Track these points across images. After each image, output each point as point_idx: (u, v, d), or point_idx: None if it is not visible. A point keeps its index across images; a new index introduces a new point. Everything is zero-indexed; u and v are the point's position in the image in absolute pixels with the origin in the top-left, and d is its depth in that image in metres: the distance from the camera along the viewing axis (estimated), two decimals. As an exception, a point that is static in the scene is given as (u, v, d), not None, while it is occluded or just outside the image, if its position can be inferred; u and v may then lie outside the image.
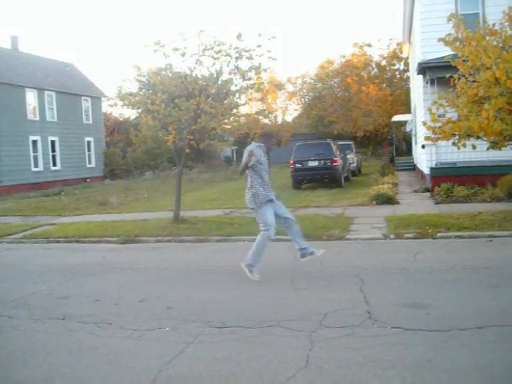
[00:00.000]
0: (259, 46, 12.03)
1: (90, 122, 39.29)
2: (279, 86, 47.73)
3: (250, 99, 15.15)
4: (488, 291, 6.48)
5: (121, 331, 5.71)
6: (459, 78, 11.15)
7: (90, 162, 38.86)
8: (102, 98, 40.66)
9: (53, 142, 35.05)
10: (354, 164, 26.50)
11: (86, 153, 38.53)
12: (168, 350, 5.06)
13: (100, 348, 5.26)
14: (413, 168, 28.41)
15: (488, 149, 12.08)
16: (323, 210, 13.89)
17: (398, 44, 41.42)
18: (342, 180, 21.01)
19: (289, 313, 5.91)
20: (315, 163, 20.21)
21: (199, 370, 4.59)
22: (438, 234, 10.14)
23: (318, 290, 6.86)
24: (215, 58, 12.27)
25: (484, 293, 6.42)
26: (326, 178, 20.51)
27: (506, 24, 10.93)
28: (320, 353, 4.78)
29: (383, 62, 46.00)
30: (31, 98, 33.54)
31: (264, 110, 45.76)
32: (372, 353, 4.73)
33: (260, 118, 46.82)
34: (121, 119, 51.65)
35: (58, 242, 12.33)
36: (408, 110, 35.34)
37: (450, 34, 11.37)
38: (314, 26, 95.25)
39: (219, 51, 12.13)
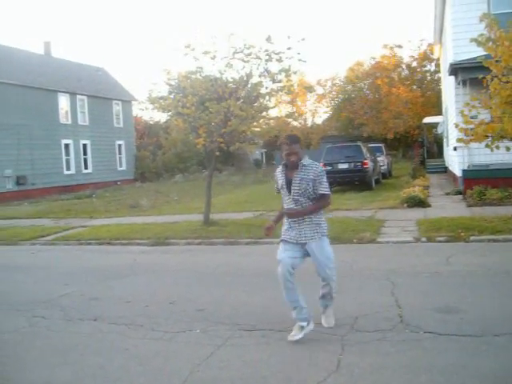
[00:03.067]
0: (289, 48, 12.02)
1: (121, 125, 39.74)
2: (309, 89, 47.59)
3: (279, 102, 15.11)
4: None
5: (151, 333, 5.74)
6: (492, 79, 10.97)
7: (120, 165, 39.29)
8: (133, 102, 41.09)
9: (84, 146, 35.53)
10: (385, 166, 26.26)
11: (117, 156, 38.97)
12: (198, 352, 5.07)
13: (131, 349, 5.30)
14: (444, 170, 28.04)
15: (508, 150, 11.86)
16: (353, 213, 13.80)
17: (428, 45, 41.03)
18: (373, 182, 20.86)
19: (319, 316, 5.87)
20: (345, 166, 20.11)
21: (229, 373, 4.59)
22: (471, 238, 9.97)
23: (349, 294, 6.80)
24: (245, 61, 12.30)
25: (506, 300, 6.30)
26: (356, 181, 20.39)
27: (542, 23, 10.73)
28: (351, 357, 4.74)
29: (414, 64, 45.61)
30: (63, 102, 34.07)
31: (294, 112, 45.65)
32: (404, 358, 4.68)
33: (290, 120, 46.77)
34: (151, 122, 52.16)
35: (90, 244, 12.48)
36: (439, 112, 34.92)
37: (482, 34, 11.21)
38: (344, 28, 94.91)
39: (249, 54, 12.15)
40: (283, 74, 12.32)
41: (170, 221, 14.61)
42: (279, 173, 5.47)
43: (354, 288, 7.10)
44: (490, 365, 4.43)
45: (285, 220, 5.48)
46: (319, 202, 5.36)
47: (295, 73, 12.64)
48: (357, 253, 9.57)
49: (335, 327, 5.51)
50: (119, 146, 39.22)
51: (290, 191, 5.33)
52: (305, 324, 5.29)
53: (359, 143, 21.62)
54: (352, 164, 20.03)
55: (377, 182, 22.36)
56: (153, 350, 5.24)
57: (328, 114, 55.18)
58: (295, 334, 5.23)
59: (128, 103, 40.98)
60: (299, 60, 12.25)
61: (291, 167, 5.34)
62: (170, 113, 14.11)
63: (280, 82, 12.51)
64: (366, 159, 20.10)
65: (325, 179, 5.33)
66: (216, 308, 6.55)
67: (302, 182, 5.24)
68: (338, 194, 19.20)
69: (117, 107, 39.38)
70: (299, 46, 15.16)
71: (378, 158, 24.34)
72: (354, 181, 20.42)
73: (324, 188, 5.32)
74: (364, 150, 20.78)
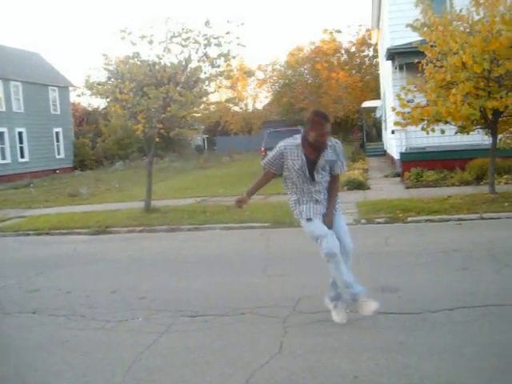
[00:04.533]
0: (228, 32, 11.97)
1: (58, 112, 38.68)
2: (249, 73, 47.59)
3: (219, 87, 15.04)
4: (457, 273, 6.58)
5: (93, 323, 5.65)
6: (427, 64, 11.25)
7: (59, 153, 38.29)
8: (70, 88, 40.04)
9: (20, 134, 34.40)
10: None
11: (55, 144, 37.96)
12: (141, 340, 5.02)
13: (72, 341, 5.20)
14: (383, 153, 28.64)
15: (456, 133, 12.25)
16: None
17: (367, 30, 41.67)
18: (314, 166, 21.07)
19: (262, 300, 5.92)
20: (286, 150, 20.22)
21: (173, 359, 4.57)
22: (409, 219, 10.24)
23: (291, 276, 6.88)
24: (183, 46, 12.16)
25: (454, 275, 6.52)
26: (297, 165, 20.55)
27: (473, 9, 11.03)
28: (293, 338, 4.80)
29: (353, 49, 46.28)
30: (-4, 88, 32.88)
31: (234, 97, 45.62)
32: (345, 337, 4.76)
33: (230, 105, 46.70)
34: (90, 109, 51.05)
35: (28, 234, 12.15)
36: (378, 96, 35.58)
37: (417, 20, 11.47)
38: (284, 13, 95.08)
39: (187, 38, 12.02)
40: (222, 58, 12.26)
41: (111, 209, 14.38)
42: (294, 152, 4.88)
43: (296, 270, 7.18)
44: (428, 340, 4.56)
45: (303, 199, 5.07)
46: (336, 184, 5.14)
47: (234, 57, 12.60)
48: (298, 236, 9.59)
49: (277, 309, 5.55)
50: (57, 133, 38.18)
51: (312, 175, 4.91)
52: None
53: (300, 128, 21.76)
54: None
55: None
56: (94, 341, 5.16)
57: (269, 99, 55.39)
58: (373, 305, 4.86)
59: (65, 89, 39.89)
60: (238, 44, 12.22)
61: (319, 149, 4.86)
62: (108, 99, 13.82)
63: (219, 66, 12.44)
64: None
65: (344, 157, 5.12)
66: (158, 295, 6.50)
67: (327, 163, 4.92)
68: (279, 178, 19.29)
69: (53, 93, 38.29)
70: (238, 31, 15.11)
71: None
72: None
73: (343, 167, 5.09)
74: (305, 134, 20.96)
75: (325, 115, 4.85)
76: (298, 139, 4.92)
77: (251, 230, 10.50)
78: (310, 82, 46.71)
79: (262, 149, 20.63)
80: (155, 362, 4.55)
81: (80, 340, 5.20)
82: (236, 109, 51.25)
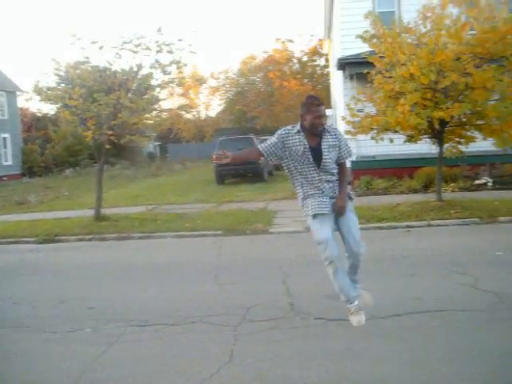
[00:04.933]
0: (180, 39, 11.93)
1: (6, 117, 37.69)
2: (201, 81, 47.52)
3: (171, 94, 14.99)
4: (406, 280, 6.71)
5: (39, 334, 5.51)
6: (376, 74, 11.47)
7: (6, 160, 37.27)
8: (18, 93, 39.12)
9: (-35, 139, 33.43)
10: (277, 158, 26.72)
11: (2, 150, 36.96)
12: (89, 351, 4.93)
13: (17, 353, 5.06)
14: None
15: (405, 142, 12.50)
16: (247, 205, 13.95)
17: (319, 40, 42.16)
18: (266, 174, 21.17)
19: (213, 308, 5.89)
20: (238, 158, 20.24)
21: (122, 370, 4.50)
22: (358, 226, 10.36)
23: (242, 284, 6.88)
24: (135, 52, 12.04)
25: (402, 281, 6.64)
26: (249, 173, 20.62)
27: (420, 22, 11.32)
28: (244, 347, 4.80)
29: (305, 58, 46.76)
30: None
31: (187, 104, 45.41)
32: (295, 344, 4.79)
33: (182, 113, 46.50)
34: (39, 115, 49.92)
35: (-28, 243, 11.78)
36: (329, 105, 36.01)
37: (367, 31, 11.69)
38: (238, 21, 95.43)
39: (139, 45, 11.91)
40: (174, 65, 12.20)
41: (60, 217, 14.08)
42: (296, 139, 4.71)
43: (247, 279, 7.18)
44: (377, 346, 4.64)
45: (308, 191, 4.82)
46: (344, 171, 4.93)
47: (186, 65, 12.56)
48: (250, 244, 9.70)
49: (228, 318, 5.54)
50: (4, 139, 37.18)
51: (317, 161, 4.71)
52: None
53: (251, 136, 21.85)
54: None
55: (270, 174, 22.72)
56: (41, 352, 5.04)
57: (222, 107, 55.48)
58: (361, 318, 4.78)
59: (12, 94, 38.93)
60: (190, 52, 12.20)
61: (317, 133, 4.71)
62: (57, 105, 13.56)
63: (171, 73, 12.38)
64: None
65: (347, 143, 4.94)
66: (108, 305, 6.39)
67: (330, 149, 4.74)
68: (231, 186, 19.37)
69: (0, 98, 37.36)
70: (191, 38, 15.06)
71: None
72: (247, 173, 20.64)
73: (348, 152, 4.93)
74: (256, 142, 21.03)
75: (316, 98, 4.78)
76: (296, 126, 4.78)
77: (203, 238, 10.46)
78: (262, 90, 47.02)
79: (214, 156, 20.57)
80: (103, 373, 4.47)
81: (25, 352, 5.07)
82: (188, 116, 51.08)
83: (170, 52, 12.02)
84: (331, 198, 4.82)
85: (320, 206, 4.75)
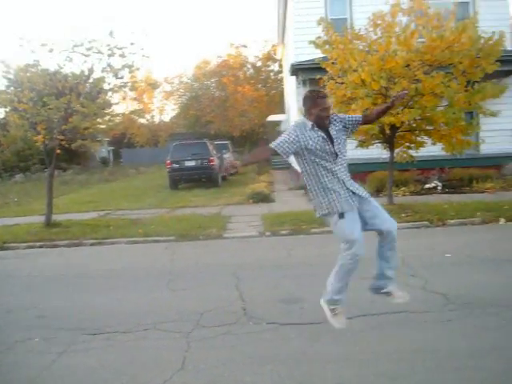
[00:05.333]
0: (132, 43, 11.80)
1: (-48, 121, 36.63)
2: (154, 85, 47.14)
3: (124, 98, 14.79)
4: (357, 282, 6.75)
5: (-15, 345, 5.36)
6: (328, 80, 11.61)
7: (-49, 165, 36.22)
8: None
9: None
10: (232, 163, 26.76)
11: None
12: (39, 361, 4.82)
13: (-39, 364, 4.91)
14: (288, 167, 29.12)
15: (356, 147, 12.68)
16: (201, 210, 13.89)
17: (272, 46, 42.37)
18: (219, 179, 21.15)
19: (165, 315, 5.85)
20: (192, 163, 20.18)
21: (72, 380, 4.43)
22: (312, 230, 10.48)
23: (195, 290, 6.85)
24: (86, 55, 11.86)
25: (354, 284, 6.68)
26: (203, 178, 20.57)
27: (371, 29, 11.52)
28: (197, 353, 4.78)
29: (259, 63, 46.93)
30: None
31: (141, 109, 44.96)
32: (248, 349, 4.80)
33: (136, 117, 46.06)
34: (-13, 119, 48.69)
35: None
36: (283, 110, 36.23)
37: (319, 37, 11.83)
38: (192, 26, 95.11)
39: (90, 48, 11.73)
40: (126, 69, 12.07)
41: (9, 224, 13.70)
42: (312, 134, 4.54)
43: (200, 284, 7.15)
44: (330, 349, 4.70)
45: (331, 186, 4.61)
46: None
47: (139, 69, 12.43)
48: (203, 249, 9.66)
49: (181, 324, 5.50)
50: (-50, 144, 36.14)
51: (336, 153, 4.57)
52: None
53: (205, 141, 21.80)
54: (199, 161, 20.17)
55: (223, 178, 22.71)
56: (-13, 363, 4.90)
57: (176, 112, 55.15)
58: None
59: (-41, 98, 37.86)
60: (143, 56, 12.08)
61: (325, 126, 4.61)
62: (6, 108, 13.24)
63: (123, 77, 12.24)
64: (212, 156, 20.34)
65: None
66: (58, 313, 6.26)
67: (339, 135, 4.67)
68: (185, 191, 19.27)
69: None
70: (144, 42, 14.93)
71: (225, 156, 24.73)
72: (200, 178, 20.58)
73: (356, 116, 4.89)
74: (210, 147, 21.02)
75: (320, 91, 4.75)
76: (306, 122, 4.62)
77: (156, 243, 10.36)
78: (216, 95, 46.96)
79: (168, 161, 20.47)
80: (53, 383, 4.38)
81: (-29, 363, 4.92)
82: (142, 121, 50.61)
83: (123, 56, 11.88)
84: (351, 190, 4.65)
85: (348, 203, 4.61)
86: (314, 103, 4.57)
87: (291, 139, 4.51)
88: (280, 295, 6.36)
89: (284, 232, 10.52)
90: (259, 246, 9.72)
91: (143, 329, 5.45)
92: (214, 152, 21.32)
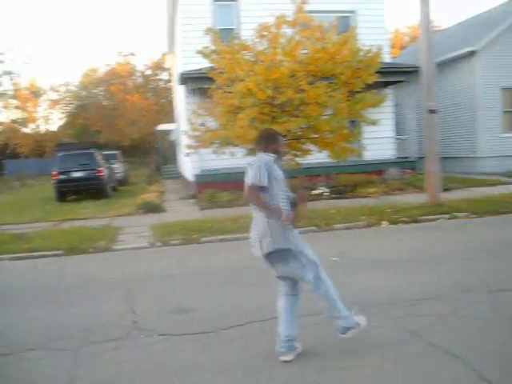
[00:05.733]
0: (12, 49, 11.33)
1: None
2: (36, 93, 45.33)
3: (5, 107, 14.16)
4: (248, 289, 6.89)
5: None
6: (216, 89, 11.72)
7: None
8: None
9: None
10: (121, 174, 26.24)
11: None
12: None
13: None
14: (179, 176, 29.04)
15: (245, 156, 12.85)
16: (90, 222, 13.50)
17: (162, 54, 42.12)
18: (109, 190, 20.68)
19: (52, 332, 5.63)
20: (80, 174, 19.56)
21: None
22: (203, 239, 10.51)
23: (84, 305, 6.64)
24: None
25: (244, 291, 6.82)
26: (91, 189, 20.00)
27: (257, 40, 11.76)
28: (85, 371, 4.64)
29: (148, 72, 46.47)
30: None
31: (23, 118, 43.08)
32: (139, 363, 4.74)
33: (19, 126, 44.09)
34: None
35: None
36: (173, 119, 36.08)
37: (207, 47, 11.91)
38: (79, 32, 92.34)
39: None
40: (7, 76, 11.56)
41: None
42: (275, 165, 4.66)
43: (89, 299, 6.94)
44: (221, 357, 4.73)
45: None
46: None
47: (19, 75, 11.94)
48: (93, 262, 9.41)
49: (67, 341, 5.32)
50: None
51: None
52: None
53: (93, 151, 21.24)
54: (87, 172, 19.59)
55: (113, 189, 22.22)
56: None
57: (63, 121, 53.28)
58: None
59: None
60: (24, 63, 11.64)
61: (281, 160, 4.93)
62: None
63: (1, 84, 11.70)
64: (100, 167, 19.85)
65: None
66: None
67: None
68: (73, 203, 18.65)
69: None
70: (26, 49, 14.35)
71: (114, 166, 24.23)
72: (89, 189, 20.00)
73: None
74: (98, 157, 20.50)
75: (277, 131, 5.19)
76: (269, 156, 4.71)
77: (43, 258, 9.93)
78: (104, 104, 45.93)
79: (54, 172, 19.71)
80: None
81: None
82: (27, 130, 48.46)
83: (1, 62, 11.37)
84: None
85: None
86: (277, 140, 4.85)
87: (267, 170, 4.55)
88: (171, 306, 6.33)
89: (175, 242, 10.47)
90: (150, 256, 9.61)
91: (27, 349, 5.20)
92: (103, 162, 20.81)
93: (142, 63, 46.79)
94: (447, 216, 11.66)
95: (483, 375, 4.06)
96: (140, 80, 46.77)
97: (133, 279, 7.77)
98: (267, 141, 4.88)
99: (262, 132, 5.20)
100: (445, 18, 74.52)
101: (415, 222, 11.38)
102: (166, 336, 5.31)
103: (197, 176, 17.13)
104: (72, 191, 19.93)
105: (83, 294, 7.19)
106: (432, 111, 12.60)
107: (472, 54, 20.32)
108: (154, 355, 4.88)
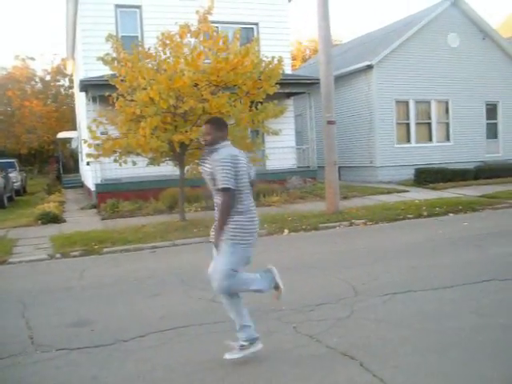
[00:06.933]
0: None
1: None
2: None
3: None
4: (150, 300, 6.84)
5: None
6: (118, 97, 11.56)
7: None
8: None
9: None
10: (18, 183, 25.21)
11: None
12: None
13: None
14: (81, 185, 28.29)
15: (148, 165, 12.78)
16: (-17, 234, 12.89)
17: (62, 60, 40.86)
18: (5, 200, 19.77)
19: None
20: (-27, 183, 18.62)
21: None
22: (105, 250, 10.32)
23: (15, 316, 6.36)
24: None
25: (146, 302, 6.76)
26: (-14, 199, 19.07)
27: (160, 49, 11.73)
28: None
29: (48, 77, 44.95)
30: None
31: None
32: (37, 380, 4.59)
33: None
34: None
35: None
36: (74, 127, 35.12)
37: (108, 54, 11.74)
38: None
39: None
40: None
41: None
42: (242, 160, 4.59)
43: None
44: (121, 370, 4.65)
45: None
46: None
47: None
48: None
49: None
50: None
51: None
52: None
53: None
54: (-20, 181, 18.67)
55: (10, 199, 21.30)
56: None
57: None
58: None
59: None
60: None
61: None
62: None
63: None
64: (-5, 176, 18.99)
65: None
66: None
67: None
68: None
69: None
70: None
71: (11, 175, 23.24)
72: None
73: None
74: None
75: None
76: (233, 148, 4.63)
77: None
78: (0, 109, 43.92)
79: None
80: None
81: None
82: None
83: None
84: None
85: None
86: (225, 128, 4.74)
87: (233, 167, 4.46)
88: (70, 319, 6.17)
89: (75, 253, 10.20)
90: (48, 269, 9.31)
91: None
92: (-2, 171, 19.92)
93: (41, 68, 44.92)
94: (346, 223, 12.10)
95: (377, 375, 4.25)
96: (39, 86, 45.09)
97: (29, 293, 7.49)
98: (219, 128, 4.68)
99: (218, 118, 5.07)
100: (345, 32, 77.28)
101: (315, 229, 11.72)
102: (65, 351, 5.16)
103: (98, 185, 16.76)
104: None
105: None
106: (331, 122, 13.05)
107: (369, 67, 21.19)
108: (52, 371, 4.72)
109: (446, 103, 22.60)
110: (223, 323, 5.37)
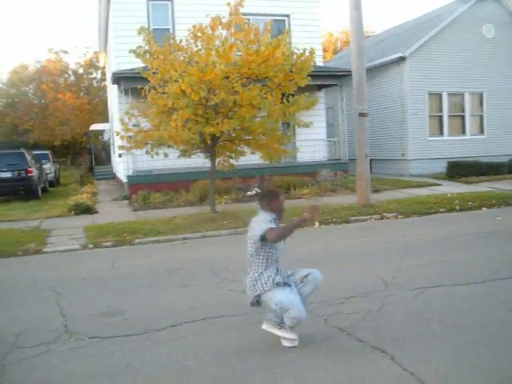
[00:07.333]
0: None
1: None
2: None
3: None
4: (180, 291, 6.90)
5: None
6: (149, 90, 11.62)
7: None
8: None
9: None
10: (52, 174, 25.61)
11: None
12: None
13: None
14: (113, 177, 28.60)
15: (179, 157, 12.84)
16: (18, 224, 13.11)
17: (94, 53, 41.24)
18: (39, 191, 20.13)
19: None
20: (8, 174, 18.94)
21: None
22: (136, 241, 10.42)
23: (11, 310, 6.47)
24: None
25: (177, 293, 6.82)
26: (21, 190, 19.41)
27: (191, 41, 11.75)
28: (13, 377, 4.52)
29: (80, 70, 45.40)
30: None
31: None
32: (70, 367, 4.65)
33: None
34: None
35: None
36: (106, 119, 35.48)
37: (140, 47, 11.80)
38: (8, 28, 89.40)
39: None
40: None
41: None
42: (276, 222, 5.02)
43: (17, 303, 6.77)
44: (153, 358, 4.69)
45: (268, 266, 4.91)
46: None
47: None
48: (21, 265, 9.16)
49: (-6, 347, 5.18)
50: None
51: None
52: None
53: (23, 150, 20.62)
54: (16, 172, 18.98)
55: (44, 190, 21.66)
56: None
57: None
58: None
59: None
60: None
61: (281, 218, 5.20)
62: None
63: None
64: (30, 167, 19.28)
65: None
66: None
67: None
68: (1, 204, 18.06)
69: None
70: None
71: (45, 166, 23.61)
72: (18, 190, 19.41)
73: None
74: (28, 157, 19.91)
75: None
76: (269, 213, 4.98)
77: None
78: (35, 102, 44.57)
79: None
80: None
81: None
82: None
83: None
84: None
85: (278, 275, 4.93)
86: (277, 198, 5.09)
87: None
88: (103, 308, 6.25)
89: (107, 244, 10.33)
90: (81, 259, 9.45)
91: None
92: (33, 162, 20.24)
93: (74, 61, 45.40)
94: (377, 216, 12.01)
95: (407, 368, 4.22)
96: (72, 78, 45.57)
97: (63, 282, 7.63)
98: (270, 198, 5.10)
99: (268, 190, 5.43)
100: (378, 23, 76.46)
101: (346, 222, 11.66)
102: (97, 339, 5.24)
103: (130, 177, 16.93)
104: (1, 192, 19.30)
105: (10, 299, 7.01)
106: (363, 114, 12.95)
107: (401, 59, 20.94)
108: (85, 358, 4.81)
109: (481, 95, 22.21)
110: (254, 315, 5.38)
